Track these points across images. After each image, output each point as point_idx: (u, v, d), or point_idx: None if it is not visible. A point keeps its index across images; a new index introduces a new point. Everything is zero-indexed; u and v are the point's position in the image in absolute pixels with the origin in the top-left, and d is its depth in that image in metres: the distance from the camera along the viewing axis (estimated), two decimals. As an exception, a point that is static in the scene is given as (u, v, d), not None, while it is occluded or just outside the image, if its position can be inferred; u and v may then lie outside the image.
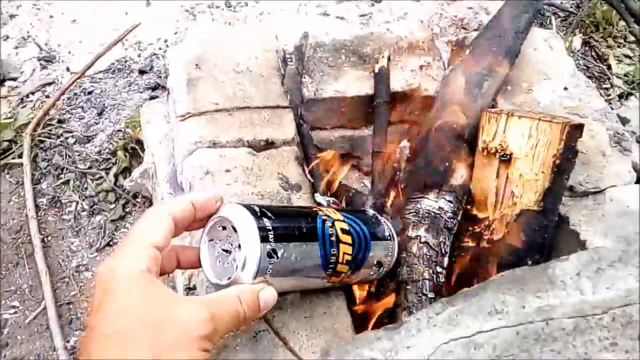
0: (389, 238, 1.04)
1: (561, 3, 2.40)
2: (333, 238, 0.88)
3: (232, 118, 1.24)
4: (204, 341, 0.68)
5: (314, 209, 0.94)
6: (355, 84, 1.42)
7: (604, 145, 1.33)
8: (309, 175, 1.30)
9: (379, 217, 1.07)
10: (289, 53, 1.46)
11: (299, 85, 1.40)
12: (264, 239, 0.77)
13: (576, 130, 1.12)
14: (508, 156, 1.15)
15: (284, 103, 1.32)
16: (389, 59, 1.41)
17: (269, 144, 1.24)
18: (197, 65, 1.31)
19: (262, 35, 1.43)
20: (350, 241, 0.91)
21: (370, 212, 1.10)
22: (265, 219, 0.79)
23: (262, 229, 0.77)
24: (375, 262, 0.99)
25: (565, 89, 1.44)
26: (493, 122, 1.18)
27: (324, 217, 0.90)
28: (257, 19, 2.18)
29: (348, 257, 0.91)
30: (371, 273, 1.00)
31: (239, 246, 0.77)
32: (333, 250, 0.88)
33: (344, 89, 1.41)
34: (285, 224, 0.83)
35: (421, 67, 1.46)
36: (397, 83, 1.43)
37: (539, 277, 0.92)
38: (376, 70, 1.40)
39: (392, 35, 1.51)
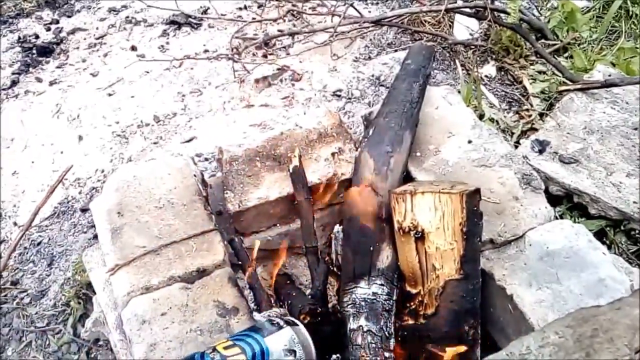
0: (283, 326, 1.13)
1: (470, 39, 2.52)
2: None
3: (161, 257, 1.29)
4: None
5: (196, 355, 1.06)
6: (275, 186, 1.49)
7: (515, 190, 1.40)
8: (247, 290, 1.35)
9: (270, 316, 1.18)
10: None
11: (224, 201, 1.47)
12: None
13: (474, 195, 1.19)
14: (420, 233, 1.20)
15: (210, 226, 1.37)
16: (300, 157, 1.48)
17: (201, 272, 1.29)
18: (119, 213, 1.36)
19: (179, 163, 1.50)
20: (239, 350, 1.05)
21: (260, 319, 1.19)
22: None
23: None
24: (285, 351, 1.09)
25: (470, 141, 1.51)
26: (401, 202, 1.25)
27: (207, 351, 1.05)
28: (187, 126, 2.27)
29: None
30: None
31: None
32: None
33: (266, 194, 1.47)
34: None
35: (333, 154, 1.53)
36: (314, 175, 1.50)
37: None
38: (290, 171, 1.47)
39: (302, 130, 1.59)
